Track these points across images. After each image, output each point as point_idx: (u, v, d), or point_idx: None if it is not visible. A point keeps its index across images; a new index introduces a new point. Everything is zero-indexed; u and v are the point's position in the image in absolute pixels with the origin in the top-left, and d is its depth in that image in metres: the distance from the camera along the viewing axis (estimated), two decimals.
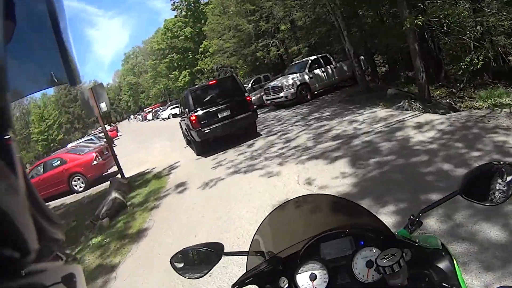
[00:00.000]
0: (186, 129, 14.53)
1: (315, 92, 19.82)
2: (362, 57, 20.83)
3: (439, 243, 1.44)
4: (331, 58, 21.02)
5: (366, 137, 8.40)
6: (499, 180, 1.34)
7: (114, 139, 50.52)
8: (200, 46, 55.17)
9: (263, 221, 1.66)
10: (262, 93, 21.97)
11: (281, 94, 18.94)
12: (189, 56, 59.13)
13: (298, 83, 18.95)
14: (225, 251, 1.64)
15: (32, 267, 0.47)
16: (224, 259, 1.62)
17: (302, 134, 10.79)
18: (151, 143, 24.65)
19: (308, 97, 19.13)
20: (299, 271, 1.46)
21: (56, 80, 0.68)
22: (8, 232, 0.43)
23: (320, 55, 21.07)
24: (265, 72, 32.86)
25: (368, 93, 15.77)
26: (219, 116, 12.36)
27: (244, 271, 1.56)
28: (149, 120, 64.66)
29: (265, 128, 14.22)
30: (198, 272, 1.63)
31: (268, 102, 20.50)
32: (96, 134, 46.72)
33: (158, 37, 65.98)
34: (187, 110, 12.99)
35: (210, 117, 12.28)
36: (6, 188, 0.43)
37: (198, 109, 12.33)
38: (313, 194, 2.19)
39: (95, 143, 26.15)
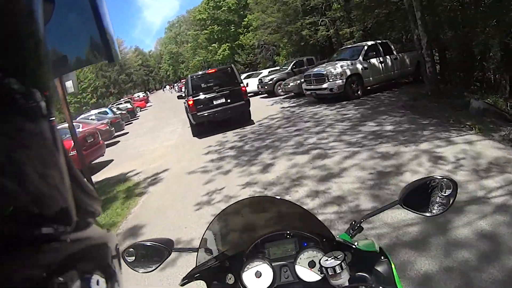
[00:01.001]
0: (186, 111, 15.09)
1: (368, 87, 15.43)
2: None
3: (377, 247, 1.47)
4: (392, 46, 16.45)
5: (482, 220, 4.03)
6: (439, 193, 1.45)
7: (141, 109, 48.27)
8: (244, 20, 51.37)
9: (213, 219, 1.68)
10: (301, 80, 17.71)
11: (325, 85, 14.67)
12: (231, 29, 55.40)
13: (349, 73, 14.62)
14: (175, 247, 1.65)
15: (73, 237, 0.50)
16: None
17: (351, 167, 6.59)
18: (167, 124, 21.76)
19: (359, 92, 14.83)
20: (245, 269, 1.51)
21: (95, 58, 0.69)
22: (51, 204, 0.45)
23: (379, 42, 16.49)
24: (311, 54, 28.32)
25: (439, 99, 11.57)
26: (215, 102, 13.46)
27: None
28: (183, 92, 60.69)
29: (296, 135, 10.13)
30: (149, 266, 1.62)
31: (308, 92, 16.20)
32: (121, 103, 43.65)
33: (201, 7, 62.00)
34: (186, 94, 14.24)
35: (206, 103, 13.40)
36: (52, 164, 0.46)
37: (196, 94, 13.49)
38: (261, 196, 2.35)
39: (104, 118, 22.74)
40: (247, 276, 1.49)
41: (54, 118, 0.47)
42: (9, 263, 0.38)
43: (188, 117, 14.30)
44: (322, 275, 1.39)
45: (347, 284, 1.30)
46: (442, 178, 1.44)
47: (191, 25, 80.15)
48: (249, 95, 23.75)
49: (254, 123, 13.40)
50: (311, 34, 30.00)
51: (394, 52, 16.09)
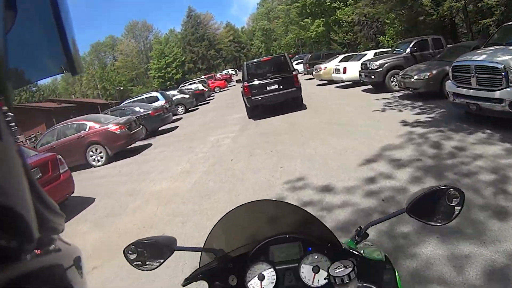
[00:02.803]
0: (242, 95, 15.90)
1: None
2: None
3: (382, 255, 1.49)
4: None
5: None
6: (445, 203, 1.43)
7: (221, 89, 44.72)
8: None
9: (218, 221, 1.64)
10: (436, 71, 11.61)
11: (500, 94, 7.30)
12: (326, 2, 47.43)
13: None
14: (178, 245, 1.64)
15: (34, 254, 0.49)
16: None
17: None
18: (225, 121, 17.33)
19: None
20: (248, 271, 1.51)
21: (57, 70, 0.67)
22: (9, 220, 0.44)
23: None
24: (426, 34, 20.68)
25: None
26: (268, 88, 14.61)
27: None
28: None
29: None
30: (151, 264, 1.61)
31: (460, 100, 8.55)
32: (194, 82, 38.61)
33: None
34: (242, 79, 15.25)
35: (260, 88, 14.59)
36: (7, 176, 0.44)
37: (251, 80, 14.70)
38: (267, 200, 2.05)
39: (146, 108, 18.10)
40: (250, 278, 1.49)
41: (8, 118, 0.44)
42: None
43: (244, 101, 15.51)
44: (326, 281, 1.39)
45: None
46: (449, 188, 1.44)
47: None
48: (347, 84, 20.08)
49: (349, 178, 6.39)
50: (433, 6, 22.44)
51: None
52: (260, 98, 14.46)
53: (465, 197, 1.39)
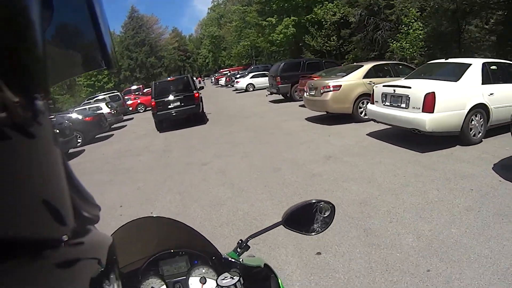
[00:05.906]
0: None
1: None
2: None
3: (262, 263, 1.61)
4: None
5: None
6: (318, 215, 1.61)
7: (146, 108, 30.40)
8: None
9: None
10: None
11: None
12: None
13: None
14: None
15: (69, 244, 0.50)
16: None
17: None
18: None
19: None
20: (141, 285, 1.56)
21: (92, 65, 0.69)
22: (46, 210, 0.45)
23: None
24: None
25: None
26: (172, 105, 16.49)
27: None
28: (221, 85, 49.98)
29: None
30: None
31: None
32: (104, 98, 26.28)
33: None
34: (151, 96, 17.45)
35: (165, 105, 16.46)
36: (50, 169, 0.47)
37: (158, 97, 16.56)
38: (155, 217, 1.98)
39: None
40: None
41: (52, 120, 0.55)
42: (3, 273, 0.38)
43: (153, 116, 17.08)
44: None
45: None
46: (319, 201, 1.61)
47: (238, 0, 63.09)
48: (406, 133, 9.67)
49: None
50: None
51: None
52: (164, 113, 16.44)
53: (335, 209, 1.59)
